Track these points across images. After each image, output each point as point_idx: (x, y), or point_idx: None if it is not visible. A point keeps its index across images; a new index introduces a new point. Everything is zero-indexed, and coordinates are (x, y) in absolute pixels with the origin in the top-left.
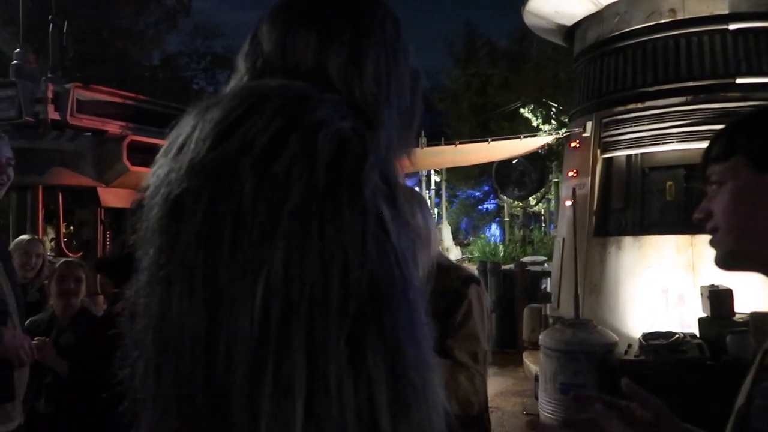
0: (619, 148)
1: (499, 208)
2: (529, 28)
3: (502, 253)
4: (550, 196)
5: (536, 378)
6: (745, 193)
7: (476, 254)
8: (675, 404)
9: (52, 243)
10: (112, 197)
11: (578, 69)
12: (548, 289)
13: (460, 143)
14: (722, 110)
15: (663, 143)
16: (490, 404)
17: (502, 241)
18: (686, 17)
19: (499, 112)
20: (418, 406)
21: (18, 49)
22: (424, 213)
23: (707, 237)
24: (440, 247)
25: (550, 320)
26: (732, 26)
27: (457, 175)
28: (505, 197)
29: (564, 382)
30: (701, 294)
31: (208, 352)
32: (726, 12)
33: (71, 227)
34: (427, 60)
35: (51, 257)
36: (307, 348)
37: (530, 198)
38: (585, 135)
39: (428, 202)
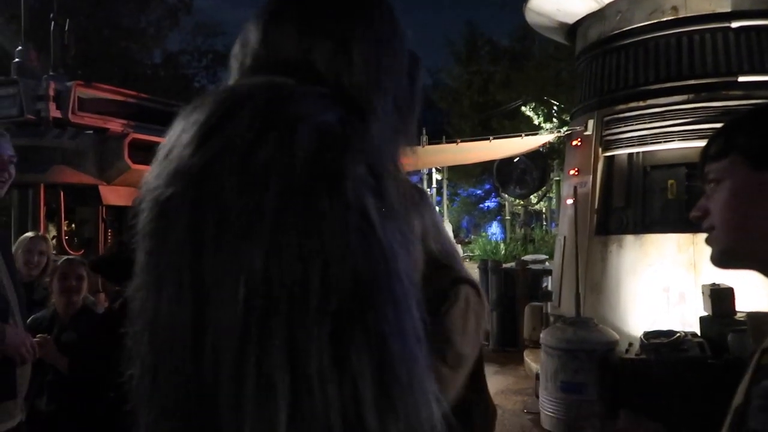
0: (621, 147)
1: (501, 207)
2: (530, 26)
3: (503, 252)
4: (551, 195)
5: (537, 376)
6: (742, 191)
7: (477, 252)
8: (676, 403)
9: (54, 241)
10: (114, 195)
11: (580, 67)
12: (549, 288)
13: (462, 141)
14: (724, 108)
15: (665, 141)
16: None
17: (503, 240)
18: (688, 15)
19: (500, 111)
20: (405, 402)
21: (20, 47)
22: (421, 207)
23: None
24: (445, 246)
25: (551, 319)
26: (734, 24)
27: (458, 174)
28: (506, 195)
29: (565, 380)
30: (702, 292)
31: (196, 353)
32: (728, 10)
33: (73, 225)
34: (429, 58)
35: (53, 255)
36: (288, 347)
37: (531, 196)
38: (586, 133)
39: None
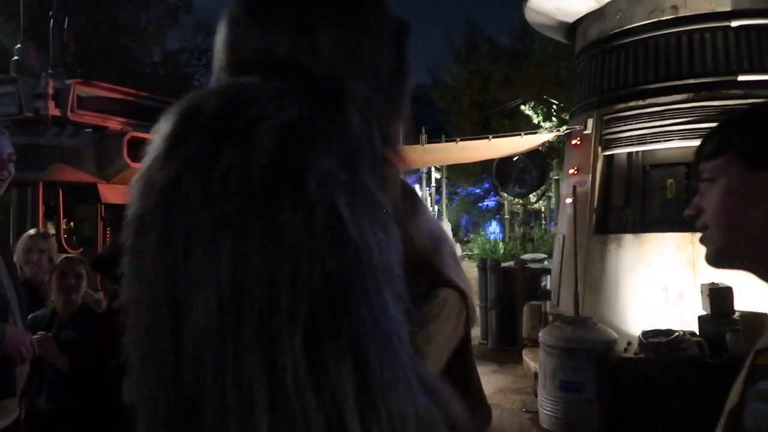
0: (620, 146)
1: (500, 206)
2: (530, 25)
3: (502, 251)
4: (550, 194)
5: (536, 375)
6: (737, 190)
7: (476, 251)
8: (674, 402)
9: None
10: (113, 193)
11: (579, 66)
12: (548, 287)
13: (461, 140)
14: (724, 108)
15: (664, 141)
16: (489, 401)
17: (503, 239)
18: (688, 14)
19: (499, 110)
20: (387, 401)
21: (19, 45)
22: (408, 204)
23: None
24: (436, 247)
25: (550, 318)
26: (734, 23)
27: (457, 173)
28: (505, 194)
29: (563, 379)
30: (701, 292)
31: (177, 367)
32: (728, 9)
33: (71, 223)
34: (428, 57)
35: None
36: (263, 356)
37: (531, 195)
38: (586, 132)
39: (420, 194)
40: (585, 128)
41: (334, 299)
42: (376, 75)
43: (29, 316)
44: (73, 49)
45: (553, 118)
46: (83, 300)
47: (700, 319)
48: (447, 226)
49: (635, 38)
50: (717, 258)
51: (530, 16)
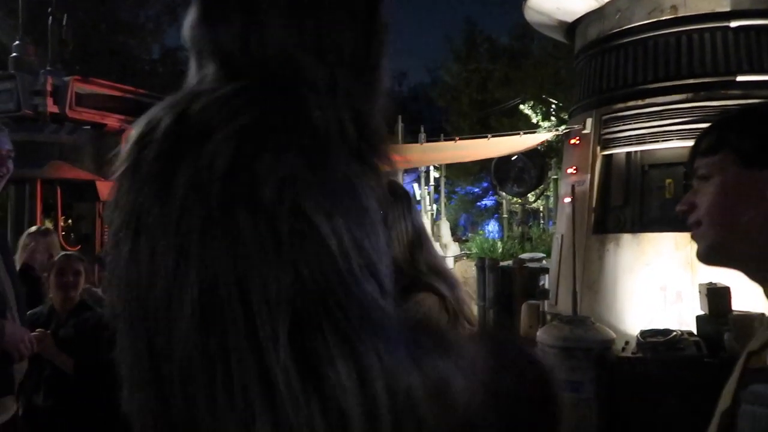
0: (619, 146)
1: (498, 205)
2: (530, 24)
3: (500, 250)
4: (548, 193)
5: None
6: (731, 188)
7: (475, 250)
8: (672, 402)
9: None
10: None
11: (579, 66)
12: (546, 286)
13: (460, 139)
14: (723, 108)
15: (663, 141)
16: None
17: (501, 238)
18: (687, 14)
19: (498, 109)
20: (380, 400)
21: (17, 42)
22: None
23: None
24: (420, 241)
25: (548, 317)
26: (733, 23)
27: (456, 172)
28: (504, 194)
29: (561, 378)
30: (699, 291)
31: (161, 391)
32: (728, 9)
33: (70, 221)
34: (428, 56)
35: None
36: (256, 370)
37: (529, 195)
38: (585, 132)
39: (419, 192)
40: (584, 128)
41: (315, 306)
42: (339, 52)
43: (28, 313)
44: (71, 45)
45: (552, 118)
46: (82, 297)
47: (698, 318)
48: (446, 225)
49: (635, 38)
50: (708, 255)
51: (530, 16)
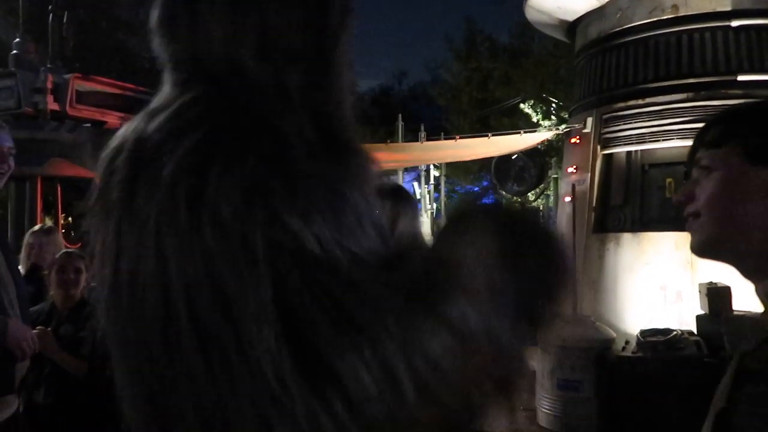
0: (620, 145)
1: None
2: (530, 23)
3: None
4: (549, 192)
5: (533, 373)
6: (735, 183)
7: None
8: (672, 401)
9: None
10: None
11: (579, 65)
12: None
13: (460, 138)
14: (723, 108)
15: (663, 140)
16: None
17: None
18: (688, 13)
19: (499, 107)
20: (400, 375)
21: (18, 39)
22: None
23: None
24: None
25: None
26: (734, 23)
27: (456, 170)
28: (504, 193)
29: (561, 377)
30: (699, 291)
31: (162, 414)
32: (728, 8)
33: (70, 218)
34: (428, 55)
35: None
36: (265, 388)
37: (529, 194)
38: (585, 131)
39: (419, 191)
40: (584, 127)
41: (306, 305)
42: (286, 50)
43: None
44: (72, 43)
45: (553, 117)
46: (83, 295)
47: (698, 318)
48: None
49: (635, 37)
50: (703, 247)
51: (531, 15)
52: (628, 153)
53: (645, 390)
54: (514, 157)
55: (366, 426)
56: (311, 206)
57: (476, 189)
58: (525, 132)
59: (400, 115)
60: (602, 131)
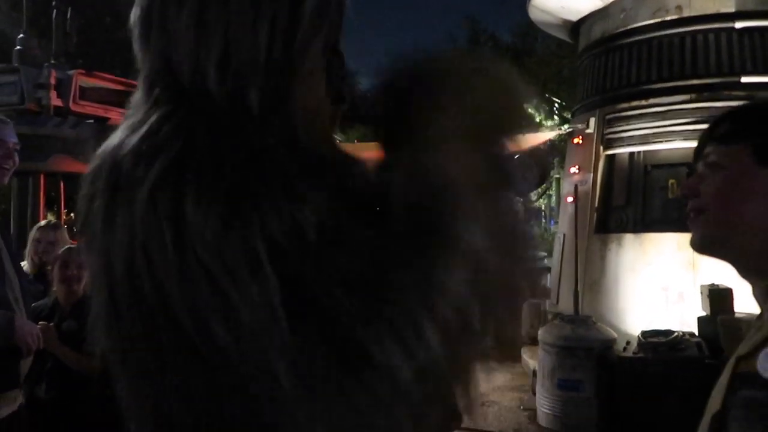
0: (622, 145)
1: None
2: (533, 23)
3: None
4: (550, 192)
5: (534, 373)
6: (743, 182)
7: None
8: (672, 402)
9: None
10: None
11: (582, 65)
12: (548, 285)
13: None
14: (726, 109)
15: (666, 141)
16: (487, 398)
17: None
18: (692, 15)
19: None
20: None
21: (22, 35)
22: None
23: None
24: None
25: (549, 316)
26: (738, 24)
27: None
28: None
29: (562, 377)
30: (701, 293)
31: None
32: (732, 10)
33: (72, 214)
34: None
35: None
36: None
37: (531, 193)
38: (588, 131)
39: None
40: (587, 127)
41: (304, 316)
42: (249, 59)
43: (31, 306)
44: (75, 39)
45: (555, 117)
46: (85, 290)
47: (700, 320)
48: None
49: (639, 38)
50: (704, 243)
51: (534, 14)
52: (631, 154)
53: (645, 391)
54: (516, 157)
55: (401, 392)
56: (295, 195)
57: None
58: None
59: None
60: (605, 132)
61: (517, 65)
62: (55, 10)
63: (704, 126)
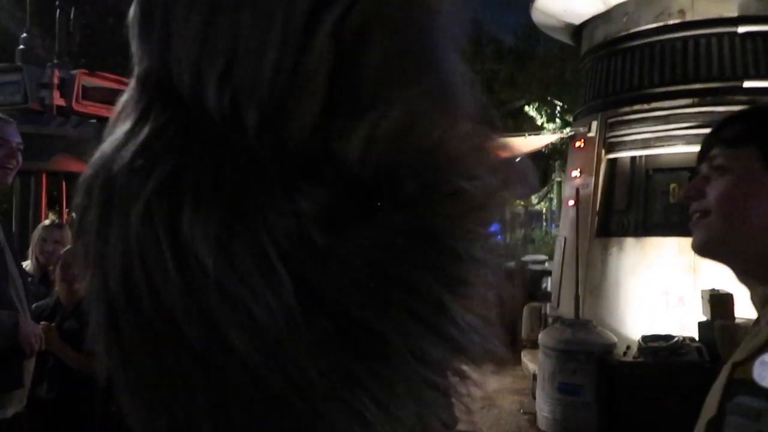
0: (624, 149)
1: None
2: (536, 25)
3: None
4: (552, 196)
5: (534, 377)
6: (750, 186)
7: None
8: (672, 407)
9: None
10: None
11: (585, 68)
12: (548, 289)
13: None
14: (728, 114)
15: (668, 145)
16: (487, 402)
17: (503, 240)
18: (695, 19)
19: (503, 110)
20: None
21: (25, 34)
22: None
23: None
24: None
25: (550, 319)
26: (741, 29)
27: None
28: None
29: (562, 381)
30: (702, 297)
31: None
32: (735, 14)
33: (74, 214)
34: None
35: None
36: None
37: (532, 196)
38: (590, 135)
39: None
40: (589, 131)
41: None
42: (252, 74)
43: (33, 306)
44: (78, 39)
45: (557, 120)
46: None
47: (700, 324)
48: None
49: (641, 42)
50: (706, 245)
51: (537, 17)
52: (633, 158)
53: (646, 395)
54: (517, 160)
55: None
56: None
57: None
58: (529, 135)
59: None
60: (607, 135)
61: (519, 68)
62: (58, 10)
63: (706, 130)
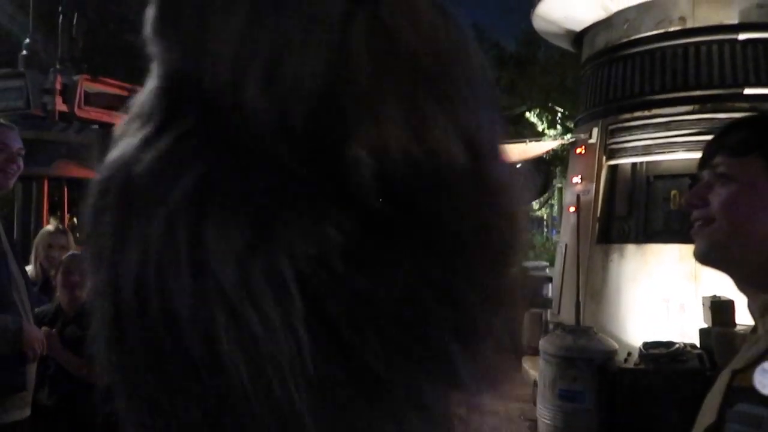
0: (625, 156)
1: None
2: (537, 32)
3: None
4: (552, 202)
5: (535, 383)
6: (753, 194)
7: None
8: (673, 414)
9: None
10: None
11: (585, 75)
12: (549, 295)
13: None
14: (729, 120)
15: (669, 152)
16: (487, 408)
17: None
18: (696, 26)
19: (504, 116)
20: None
21: (27, 40)
22: None
23: None
24: None
25: (551, 326)
26: (741, 36)
27: None
28: None
29: (563, 388)
30: (703, 304)
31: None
32: (736, 22)
33: (75, 219)
34: None
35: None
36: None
37: (533, 203)
38: (591, 141)
39: None
40: (590, 137)
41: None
42: (298, 75)
43: (35, 311)
44: (81, 44)
45: (558, 126)
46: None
47: (701, 331)
48: None
49: (642, 48)
50: (709, 253)
51: (538, 24)
52: (634, 164)
53: (646, 402)
54: (518, 167)
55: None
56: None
57: None
58: (530, 141)
59: None
60: (608, 142)
61: (520, 74)
62: (61, 15)
63: (707, 137)
